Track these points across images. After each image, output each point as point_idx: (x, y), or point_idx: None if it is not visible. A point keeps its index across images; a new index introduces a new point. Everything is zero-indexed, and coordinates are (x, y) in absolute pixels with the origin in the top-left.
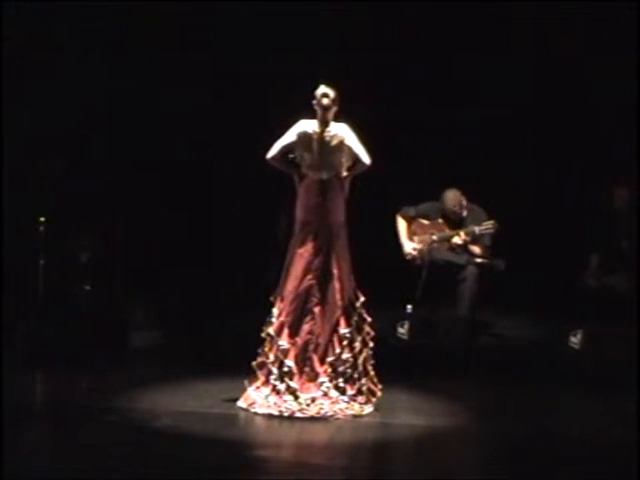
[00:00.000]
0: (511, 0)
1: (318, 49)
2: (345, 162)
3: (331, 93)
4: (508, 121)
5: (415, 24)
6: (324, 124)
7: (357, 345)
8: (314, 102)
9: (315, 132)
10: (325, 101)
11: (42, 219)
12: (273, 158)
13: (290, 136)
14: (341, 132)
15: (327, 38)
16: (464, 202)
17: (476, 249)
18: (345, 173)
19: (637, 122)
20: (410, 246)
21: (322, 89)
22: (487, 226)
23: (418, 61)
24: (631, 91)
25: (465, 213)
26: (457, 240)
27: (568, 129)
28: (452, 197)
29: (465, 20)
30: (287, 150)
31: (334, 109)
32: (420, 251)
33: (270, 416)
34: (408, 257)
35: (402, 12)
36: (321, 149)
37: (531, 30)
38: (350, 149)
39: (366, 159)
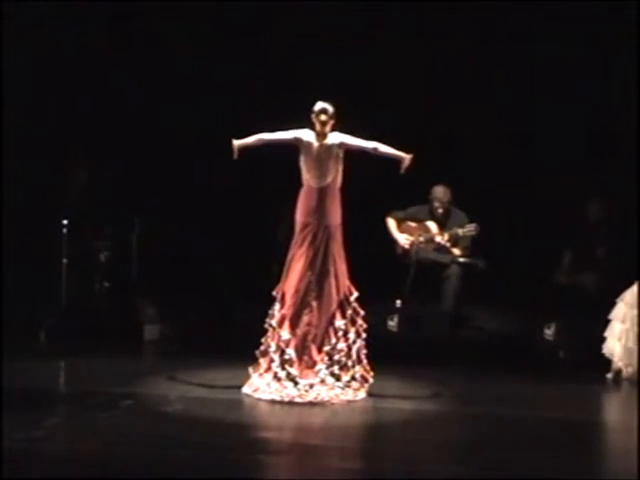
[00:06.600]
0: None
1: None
2: (340, 169)
3: (329, 109)
4: (491, 127)
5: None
6: (322, 137)
7: (351, 336)
8: (312, 116)
9: (314, 144)
10: (323, 117)
11: (65, 222)
12: (262, 139)
13: (288, 134)
14: (337, 139)
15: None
16: (450, 199)
17: (456, 250)
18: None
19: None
20: (404, 237)
21: (320, 105)
22: (470, 229)
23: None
24: (611, 112)
25: (448, 214)
26: (439, 240)
27: (550, 135)
28: (442, 191)
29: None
30: (275, 143)
31: (331, 123)
32: (413, 242)
33: (272, 401)
34: (405, 248)
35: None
36: (319, 159)
37: (524, 41)
38: (345, 153)
39: (371, 144)
